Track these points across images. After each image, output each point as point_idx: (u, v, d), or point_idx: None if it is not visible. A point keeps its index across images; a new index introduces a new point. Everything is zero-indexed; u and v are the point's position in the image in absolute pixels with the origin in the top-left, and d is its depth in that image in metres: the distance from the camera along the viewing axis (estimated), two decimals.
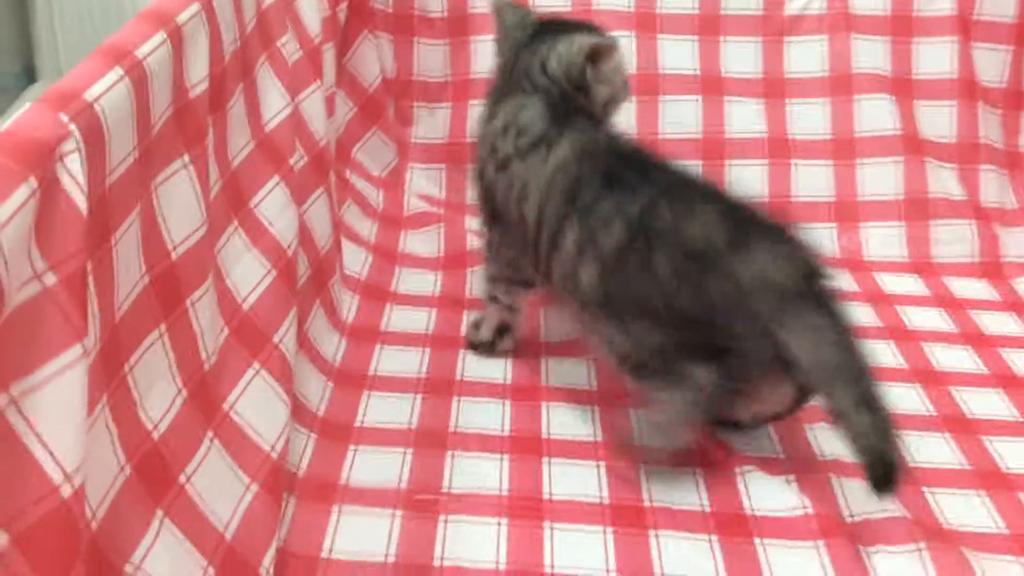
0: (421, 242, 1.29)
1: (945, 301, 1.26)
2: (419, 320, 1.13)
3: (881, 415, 0.81)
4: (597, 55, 0.96)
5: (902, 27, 1.42)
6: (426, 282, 1.21)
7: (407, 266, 1.24)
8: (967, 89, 1.41)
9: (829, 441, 0.95)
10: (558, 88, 0.96)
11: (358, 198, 1.31)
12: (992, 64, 1.41)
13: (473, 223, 1.37)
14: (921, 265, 1.34)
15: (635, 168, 0.90)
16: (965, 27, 1.41)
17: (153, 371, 0.65)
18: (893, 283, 1.29)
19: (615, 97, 1.00)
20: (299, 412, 0.89)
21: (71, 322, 0.51)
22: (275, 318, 0.85)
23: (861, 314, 1.19)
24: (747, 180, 1.37)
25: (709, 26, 1.42)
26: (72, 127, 0.54)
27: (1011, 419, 1.03)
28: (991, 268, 1.34)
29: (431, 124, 1.44)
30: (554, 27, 1.01)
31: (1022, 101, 1.43)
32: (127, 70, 0.61)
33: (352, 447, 0.92)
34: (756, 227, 0.86)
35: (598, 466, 0.92)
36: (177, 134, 0.70)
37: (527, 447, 0.94)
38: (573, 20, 1.08)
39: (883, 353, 1.12)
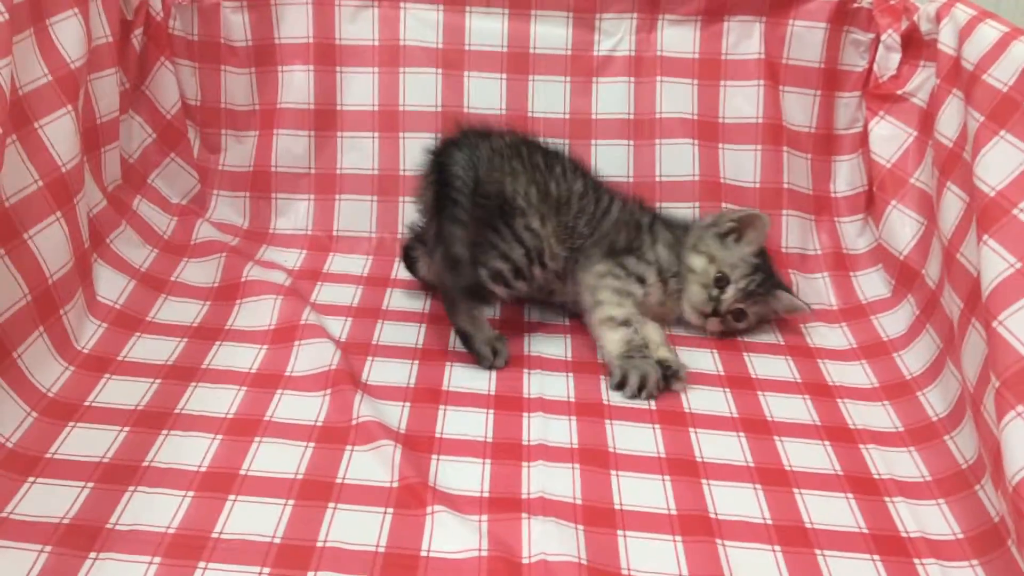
0: (199, 271, 1.28)
1: (721, 344, 1.26)
2: (164, 350, 1.11)
3: None
4: None
5: (710, 70, 1.42)
6: (188, 312, 1.20)
7: (174, 295, 1.22)
8: (772, 133, 1.42)
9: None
10: None
11: (140, 225, 1.29)
12: (800, 108, 1.42)
13: (266, 253, 1.37)
14: None
15: None
16: (773, 71, 1.41)
17: None
18: None
19: None
20: None
21: None
22: None
23: None
24: None
25: (518, 64, 1.43)
26: None
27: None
28: None
29: (239, 152, 1.44)
30: None
31: (832, 146, 1.44)
32: None
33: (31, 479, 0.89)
34: None
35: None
36: None
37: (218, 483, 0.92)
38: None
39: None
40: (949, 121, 1.20)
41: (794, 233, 1.42)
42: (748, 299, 1.24)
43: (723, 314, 1.24)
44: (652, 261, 1.24)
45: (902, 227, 1.32)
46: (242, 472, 0.93)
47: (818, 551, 0.91)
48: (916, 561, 0.91)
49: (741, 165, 1.42)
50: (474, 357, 1.15)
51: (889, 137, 1.37)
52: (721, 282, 1.24)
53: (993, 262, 0.98)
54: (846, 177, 1.44)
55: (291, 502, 0.90)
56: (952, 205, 1.15)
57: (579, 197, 1.23)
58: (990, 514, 0.94)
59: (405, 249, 1.29)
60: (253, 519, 0.87)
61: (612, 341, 1.16)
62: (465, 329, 1.15)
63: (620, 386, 1.12)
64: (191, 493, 0.90)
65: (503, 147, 1.20)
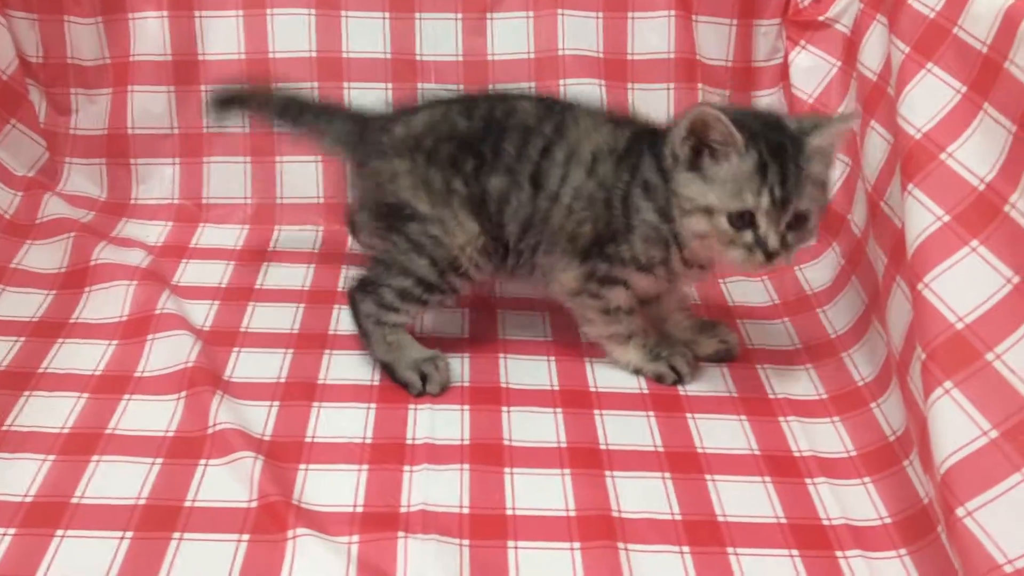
0: (43, 255, 1.13)
1: None
2: None
3: None
4: None
5: (615, 1, 1.29)
6: (27, 305, 1.06)
7: (12, 285, 1.08)
8: (686, 69, 1.29)
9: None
10: None
11: None
12: (715, 40, 1.30)
13: (126, 228, 1.23)
14: None
15: None
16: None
17: None
18: None
19: None
20: None
21: None
22: None
23: None
24: None
25: (402, 0, 1.27)
26: None
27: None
28: None
29: (91, 114, 1.29)
30: None
31: (751, 80, 1.33)
32: None
33: None
34: None
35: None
36: None
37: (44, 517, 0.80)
38: None
39: None
40: (873, 51, 1.09)
41: None
42: (787, 205, 0.89)
43: (782, 250, 0.90)
44: (628, 259, 0.98)
45: None
46: (74, 500, 0.82)
47: (731, 549, 0.82)
48: (839, 554, 0.83)
49: (652, 106, 1.29)
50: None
51: (810, 69, 1.27)
52: (743, 220, 0.90)
53: (919, 215, 0.88)
54: None
55: (128, 535, 0.79)
56: (876, 147, 1.04)
57: (500, 194, 0.99)
58: (919, 494, 0.86)
59: (351, 214, 1.15)
60: (81, 559, 0.76)
61: (630, 355, 1.04)
62: (383, 359, 1.00)
63: (659, 381, 1.03)
64: (11, 531, 0.78)
65: (397, 142, 1.00)
